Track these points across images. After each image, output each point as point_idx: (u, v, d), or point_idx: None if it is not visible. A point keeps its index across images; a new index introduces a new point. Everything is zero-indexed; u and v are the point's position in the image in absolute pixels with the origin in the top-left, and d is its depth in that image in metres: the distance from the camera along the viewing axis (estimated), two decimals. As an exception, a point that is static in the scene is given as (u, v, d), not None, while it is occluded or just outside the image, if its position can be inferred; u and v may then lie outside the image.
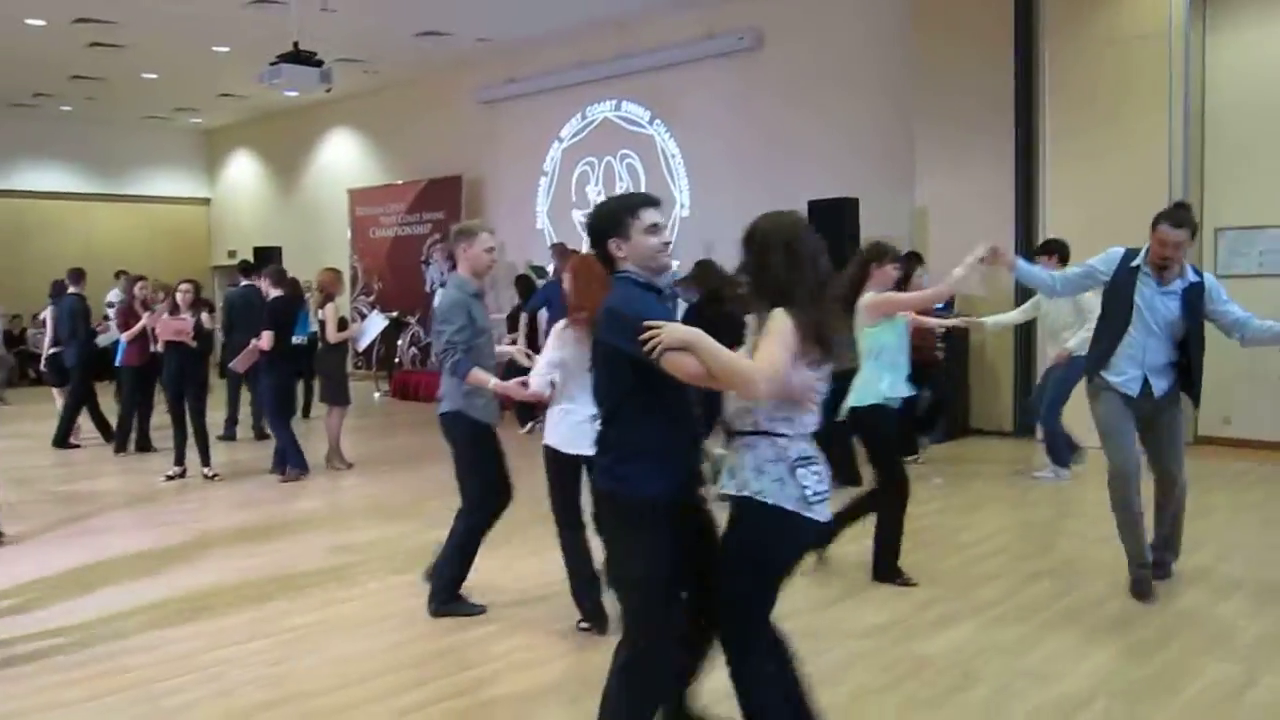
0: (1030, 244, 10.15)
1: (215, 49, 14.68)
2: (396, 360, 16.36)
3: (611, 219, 3.21)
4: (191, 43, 14.27)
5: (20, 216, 19.65)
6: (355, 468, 9.40)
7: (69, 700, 4.18)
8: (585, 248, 10.83)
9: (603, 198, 15.77)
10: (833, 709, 3.86)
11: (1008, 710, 3.92)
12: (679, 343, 2.89)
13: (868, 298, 5.38)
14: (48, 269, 13.41)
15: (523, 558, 6.06)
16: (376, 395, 15.37)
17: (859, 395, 5.42)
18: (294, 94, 16.29)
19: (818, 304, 2.98)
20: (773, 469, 2.96)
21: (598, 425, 3.21)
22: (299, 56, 10.73)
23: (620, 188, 14.50)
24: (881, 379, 5.42)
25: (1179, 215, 5.13)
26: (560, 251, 13.10)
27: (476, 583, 5.31)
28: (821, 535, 3.10)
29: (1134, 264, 5.23)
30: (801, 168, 11.95)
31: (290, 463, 8.98)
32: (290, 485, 8.75)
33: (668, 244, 3.23)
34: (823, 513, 3.00)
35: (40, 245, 19.20)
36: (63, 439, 10.83)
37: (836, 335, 3.00)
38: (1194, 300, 5.19)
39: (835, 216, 10.60)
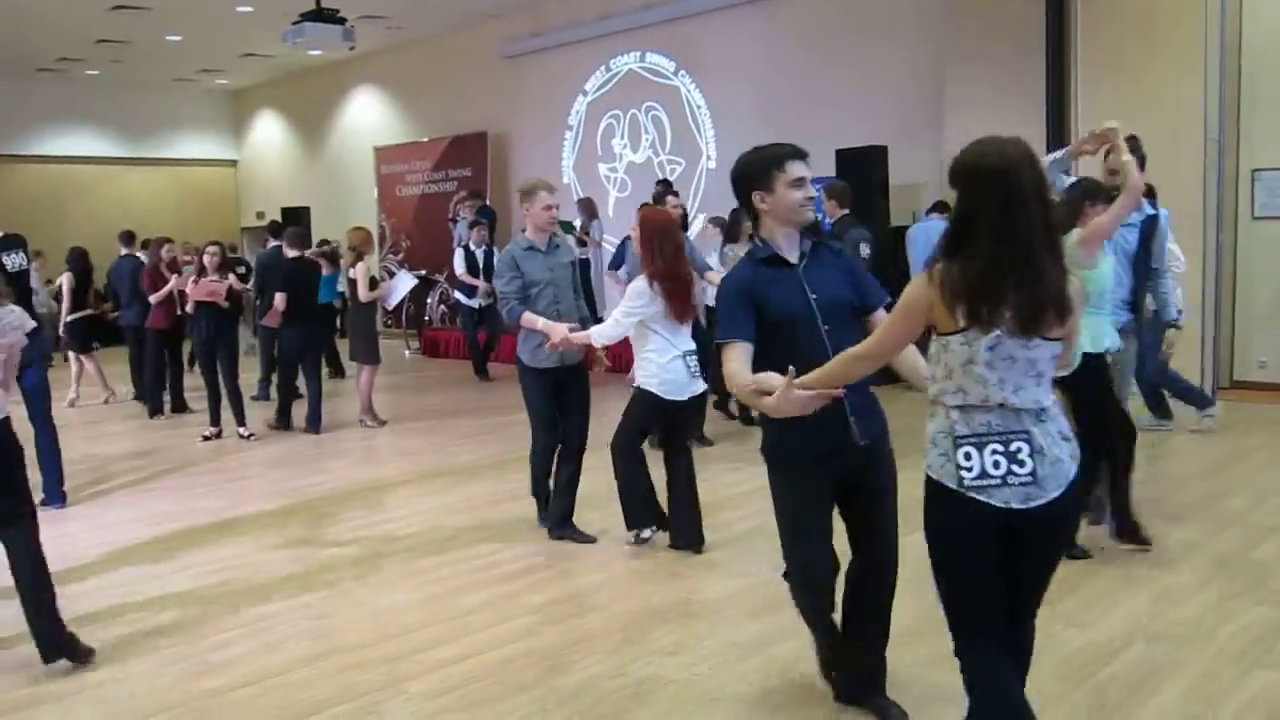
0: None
1: (239, 9, 14.64)
2: (426, 318, 16.43)
3: (756, 170, 3.21)
4: (215, 3, 14.24)
5: (54, 182, 19.76)
6: (388, 425, 9.49)
7: (117, 657, 4.27)
8: (611, 201, 10.96)
9: (629, 151, 15.76)
10: (868, 656, 3.89)
11: (1045, 656, 3.92)
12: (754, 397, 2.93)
13: (1075, 235, 4.77)
14: (83, 234, 13.48)
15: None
16: (406, 353, 15.46)
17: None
18: (318, 53, 16.29)
19: (1007, 257, 2.46)
20: (941, 442, 2.65)
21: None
22: (322, 14, 10.74)
23: (646, 140, 14.42)
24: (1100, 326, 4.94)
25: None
26: (587, 207, 13.08)
27: (523, 530, 5.37)
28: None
29: None
30: (829, 116, 11.80)
31: (277, 418, 9.41)
32: (323, 442, 8.85)
33: (811, 198, 3.20)
34: (1001, 496, 2.55)
35: (76, 210, 19.32)
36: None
37: (998, 299, 2.47)
38: (1149, 231, 5.41)
39: (863, 165, 10.52)
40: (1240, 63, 9.44)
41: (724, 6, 13.11)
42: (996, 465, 2.56)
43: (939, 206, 10.18)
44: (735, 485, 6.57)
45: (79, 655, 4.12)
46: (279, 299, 9.23)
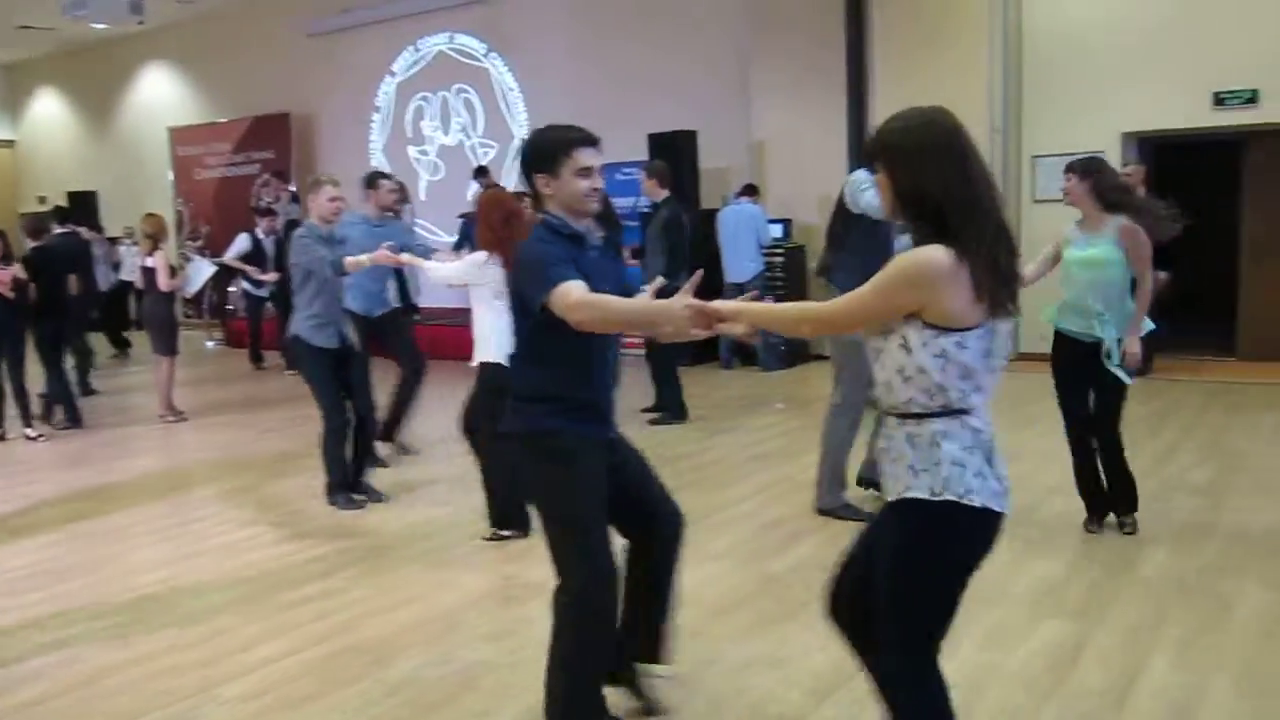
0: (862, 173, 10.48)
1: (11, -22, 13.66)
2: (229, 308, 15.76)
3: (543, 152, 3.02)
4: (-17, -29, 13.24)
5: None
6: (190, 420, 9.09)
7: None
8: (423, 185, 11.06)
9: (440, 134, 15.53)
10: (687, 628, 4.00)
11: (852, 619, 4.14)
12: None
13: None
14: None
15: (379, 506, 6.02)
16: (209, 344, 14.82)
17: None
18: (103, 26, 15.34)
19: (996, 234, 2.26)
20: (973, 461, 2.31)
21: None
22: (107, -14, 10.09)
23: (457, 123, 14.24)
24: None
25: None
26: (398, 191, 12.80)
27: (337, 524, 5.26)
28: None
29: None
30: (642, 100, 11.95)
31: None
32: (119, 440, 8.42)
33: (598, 189, 3.02)
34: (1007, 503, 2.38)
35: None
36: None
37: (1010, 280, 2.29)
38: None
39: (674, 149, 10.71)
40: (1021, 53, 10.08)
41: (534, -11, 13.08)
42: (1003, 465, 2.38)
43: (748, 190, 10.47)
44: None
45: None
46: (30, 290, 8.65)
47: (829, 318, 2.44)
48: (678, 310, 2.65)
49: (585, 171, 2.98)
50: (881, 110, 10.11)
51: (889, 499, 2.42)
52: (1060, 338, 5.10)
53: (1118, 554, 4.81)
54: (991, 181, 2.29)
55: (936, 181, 2.25)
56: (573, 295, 2.81)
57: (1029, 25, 10.06)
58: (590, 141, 3.01)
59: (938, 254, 2.22)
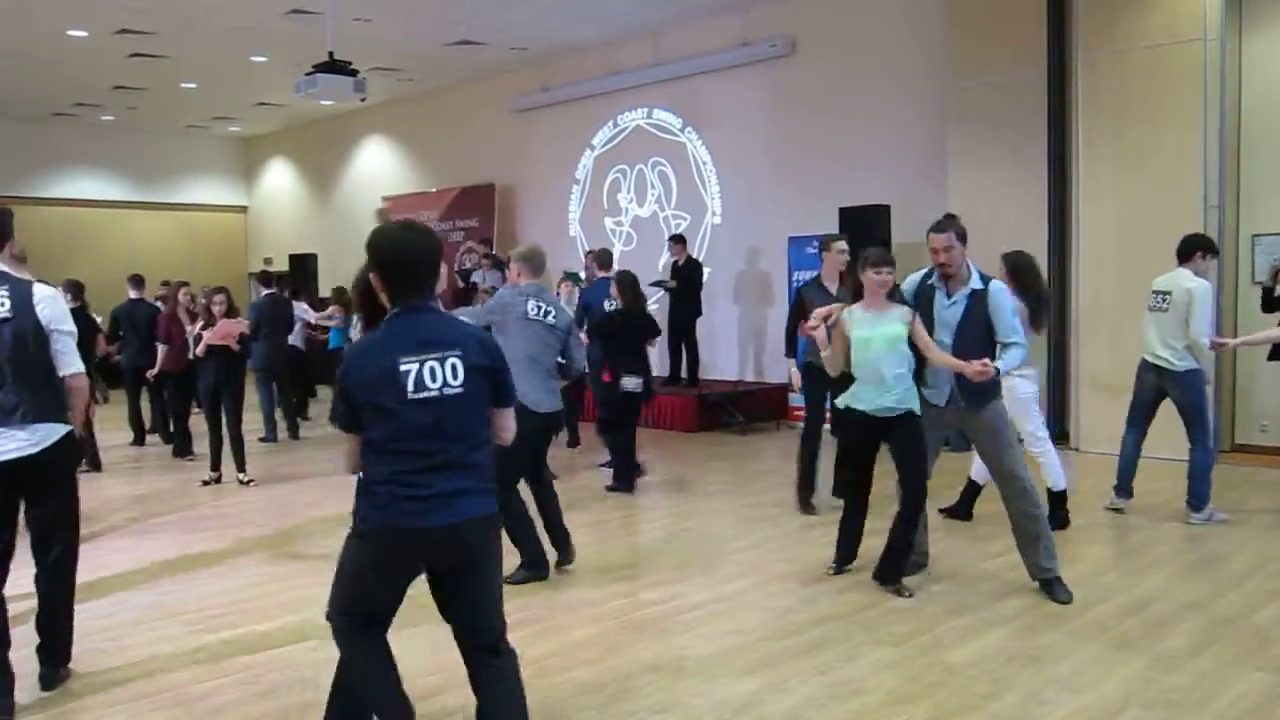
0: (1063, 249, 10.10)
1: (253, 59, 14.88)
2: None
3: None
4: (230, 53, 14.49)
5: (66, 225, 19.81)
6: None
7: (106, 703, 4.26)
8: (616, 255, 11.55)
9: (634, 205, 15.81)
10: (863, 715, 3.88)
11: (1038, 719, 3.91)
12: None
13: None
14: (92, 276, 13.46)
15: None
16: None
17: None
18: (329, 103, 16.50)
19: None
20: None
21: None
22: (334, 66, 10.84)
23: (652, 195, 14.55)
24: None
25: (941, 222, 5.64)
26: (599, 257, 13.16)
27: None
28: None
29: (930, 281, 5.57)
30: (833, 174, 11.94)
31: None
32: (332, 485, 8.84)
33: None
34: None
35: (83, 253, 19.41)
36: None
37: None
38: (974, 306, 5.42)
39: (867, 224, 10.61)
40: (1240, 128, 9.55)
41: (729, 66, 13.30)
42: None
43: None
44: (730, 541, 6.57)
45: None
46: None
47: None
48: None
49: None
50: (1086, 185, 9.78)
51: None
52: None
53: (1343, 669, 4.39)
54: None
55: None
56: None
57: (1249, 95, 9.54)
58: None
59: None
